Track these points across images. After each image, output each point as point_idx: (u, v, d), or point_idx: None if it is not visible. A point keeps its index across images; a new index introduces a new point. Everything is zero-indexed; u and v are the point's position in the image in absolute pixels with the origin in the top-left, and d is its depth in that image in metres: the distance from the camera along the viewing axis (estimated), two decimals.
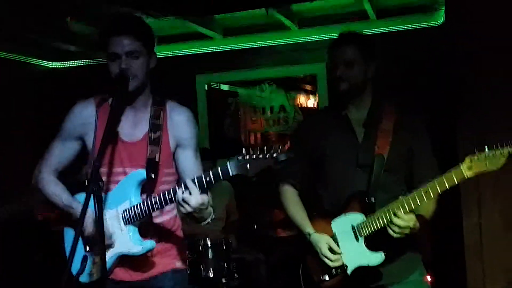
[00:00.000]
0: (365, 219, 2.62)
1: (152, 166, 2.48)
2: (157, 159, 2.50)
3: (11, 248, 5.04)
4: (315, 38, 5.62)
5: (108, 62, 2.48)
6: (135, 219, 2.44)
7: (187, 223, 2.77)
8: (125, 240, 2.46)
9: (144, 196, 2.48)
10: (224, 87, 6.11)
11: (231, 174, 2.21)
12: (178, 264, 2.63)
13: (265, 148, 2.19)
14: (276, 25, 5.54)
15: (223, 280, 4.36)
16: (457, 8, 3.80)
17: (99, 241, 2.25)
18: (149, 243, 2.47)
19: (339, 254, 2.66)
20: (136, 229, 2.48)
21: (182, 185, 2.30)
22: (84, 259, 2.41)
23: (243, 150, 2.20)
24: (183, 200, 2.27)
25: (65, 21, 5.29)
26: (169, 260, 2.61)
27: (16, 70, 5.85)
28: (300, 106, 5.89)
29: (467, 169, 2.35)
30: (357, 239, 2.65)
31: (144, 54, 2.48)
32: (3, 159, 5.25)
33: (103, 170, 2.50)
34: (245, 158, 2.18)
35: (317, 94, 5.80)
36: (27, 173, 5.44)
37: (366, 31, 5.00)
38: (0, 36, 5.19)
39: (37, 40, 5.46)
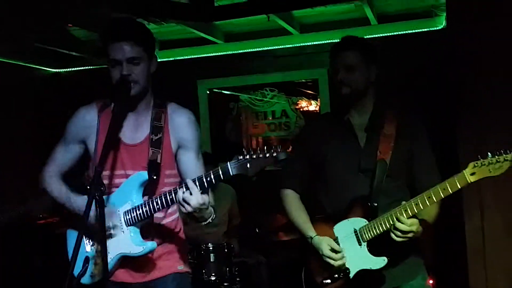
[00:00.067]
0: (367, 223, 2.63)
1: (153, 167, 2.49)
2: (158, 161, 2.51)
3: (12, 252, 5.04)
4: (316, 43, 5.64)
5: (109, 68, 2.49)
6: (137, 220, 2.45)
7: (187, 224, 2.78)
8: (126, 241, 2.47)
9: (146, 197, 2.50)
10: (226, 92, 6.13)
11: (231, 174, 2.23)
12: (180, 268, 2.64)
13: (265, 148, 2.21)
14: (277, 30, 5.56)
15: (225, 284, 4.37)
16: (458, 13, 3.80)
17: (100, 243, 2.26)
18: (150, 244, 2.47)
19: (341, 252, 2.67)
20: (138, 230, 2.49)
21: (183, 185, 2.31)
22: (86, 260, 2.42)
23: (244, 150, 2.21)
24: (184, 200, 2.29)
25: (66, 27, 5.31)
26: (171, 263, 2.62)
27: (17, 75, 5.86)
28: (301, 111, 5.90)
29: (470, 175, 2.37)
30: (359, 243, 2.66)
31: (145, 59, 2.50)
32: (4, 162, 5.26)
33: (105, 173, 2.51)
34: (245, 157, 2.19)
35: (318, 99, 5.81)
36: (27, 176, 5.46)
37: (367, 36, 5.05)
38: (2, 41, 5.21)
39: (38, 45, 5.46)
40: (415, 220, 2.52)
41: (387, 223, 2.55)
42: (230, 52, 5.91)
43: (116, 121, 2.45)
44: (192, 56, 6.02)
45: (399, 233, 2.52)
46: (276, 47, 5.81)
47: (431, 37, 5.26)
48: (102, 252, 2.26)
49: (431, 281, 2.91)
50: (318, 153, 2.82)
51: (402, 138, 2.72)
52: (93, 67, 6.20)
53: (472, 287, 3.72)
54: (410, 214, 2.50)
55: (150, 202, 2.42)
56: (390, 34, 5.43)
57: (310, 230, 2.79)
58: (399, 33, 5.41)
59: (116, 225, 2.49)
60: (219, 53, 5.94)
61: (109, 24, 2.53)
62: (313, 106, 5.88)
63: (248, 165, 2.19)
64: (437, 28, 5.28)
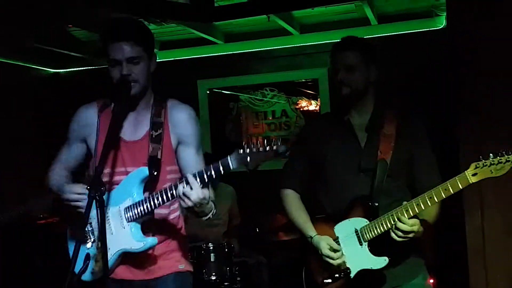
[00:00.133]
0: (368, 223, 2.63)
1: (154, 163, 2.49)
2: (159, 157, 2.51)
3: (12, 252, 5.05)
4: (316, 43, 5.64)
5: (109, 68, 2.50)
6: (137, 216, 2.45)
7: (187, 223, 2.78)
8: (127, 237, 2.47)
9: (147, 193, 2.49)
10: (226, 92, 6.13)
11: (231, 168, 2.22)
12: (181, 267, 2.63)
13: (265, 142, 2.20)
14: (277, 30, 5.56)
15: (225, 284, 4.37)
16: (458, 13, 3.80)
17: (101, 241, 2.26)
18: (151, 240, 2.47)
19: (340, 251, 2.67)
20: (139, 226, 2.48)
21: (184, 180, 2.31)
22: (87, 257, 2.42)
23: (244, 144, 2.20)
24: (184, 194, 2.28)
25: (66, 27, 5.32)
26: (172, 263, 2.61)
27: (17, 75, 5.86)
28: (301, 111, 5.90)
29: (472, 175, 2.37)
30: (360, 243, 2.66)
31: (145, 58, 2.50)
32: (3, 162, 5.26)
33: (106, 170, 2.52)
34: (245, 151, 2.18)
35: (318, 99, 5.82)
36: (27, 176, 5.46)
37: (368, 36, 5.05)
38: (2, 41, 5.21)
39: (38, 45, 5.47)
40: (416, 221, 2.52)
41: (388, 223, 2.55)
42: (230, 52, 5.92)
43: (116, 121, 2.46)
44: (192, 56, 6.02)
45: (400, 233, 2.52)
46: (276, 47, 5.82)
47: (431, 37, 5.26)
48: (103, 250, 2.25)
49: (431, 281, 2.90)
50: (318, 153, 2.83)
51: (402, 138, 2.72)
52: (93, 67, 6.21)
53: (473, 287, 3.72)
54: (411, 214, 2.50)
55: (151, 197, 2.41)
56: (390, 34, 5.43)
57: (310, 230, 2.79)
58: (399, 33, 5.42)
59: (117, 221, 2.49)
60: (219, 53, 5.94)
61: (108, 24, 2.53)
62: (313, 106, 5.88)
63: (248, 159, 2.18)
64: (437, 28, 5.29)
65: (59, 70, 6.45)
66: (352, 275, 2.66)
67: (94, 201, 2.16)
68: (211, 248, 4.38)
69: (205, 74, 6.03)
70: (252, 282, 4.83)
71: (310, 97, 5.88)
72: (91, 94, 2.75)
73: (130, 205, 2.47)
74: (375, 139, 2.73)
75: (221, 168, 2.24)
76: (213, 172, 2.27)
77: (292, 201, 2.92)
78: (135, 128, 2.59)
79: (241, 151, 2.19)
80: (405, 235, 2.52)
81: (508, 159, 2.31)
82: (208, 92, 6.08)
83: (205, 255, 4.35)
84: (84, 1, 4.34)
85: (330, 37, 5.31)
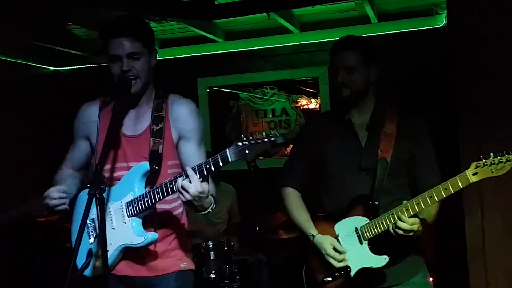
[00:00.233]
0: (369, 222, 2.64)
1: (155, 157, 2.49)
2: (160, 151, 2.50)
3: (12, 251, 5.05)
4: (316, 41, 5.64)
5: (110, 64, 2.50)
6: (138, 211, 2.44)
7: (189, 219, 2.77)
8: (128, 232, 2.47)
9: (148, 188, 2.49)
10: (226, 90, 6.13)
11: (230, 160, 2.19)
12: (183, 265, 2.62)
13: (263, 133, 2.18)
14: (277, 28, 5.56)
15: (225, 282, 4.38)
16: (458, 11, 3.80)
17: (101, 238, 2.26)
18: (151, 235, 2.46)
19: (344, 253, 2.67)
20: (140, 221, 2.48)
21: (183, 174, 2.30)
22: (90, 253, 2.42)
23: (242, 136, 2.18)
24: (183, 187, 2.27)
25: (66, 25, 5.31)
26: (174, 261, 2.60)
27: (17, 73, 5.86)
28: (301, 109, 5.90)
29: (472, 175, 2.37)
30: (360, 242, 2.66)
31: (145, 54, 2.50)
32: (3, 161, 5.26)
33: (108, 166, 2.53)
34: (244, 143, 2.17)
35: (318, 97, 5.82)
36: (27, 175, 5.47)
37: (368, 35, 5.05)
38: (2, 39, 5.21)
39: (38, 43, 5.47)
40: (416, 220, 2.52)
41: (388, 222, 2.56)
42: (230, 50, 5.92)
43: (116, 119, 2.45)
44: (193, 54, 6.02)
45: (400, 232, 2.52)
46: (276, 45, 5.81)
47: (431, 35, 5.26)
48: (103, 247, 2.25)
49: (431, 279, 2.91)
50: (318, 152, 2.83)
51: (403, 137, 2.72)
52: (93, 65, 6.20)
53: (472, 287, 3.72)
54: (412, 213, 2.50)
55: (151, 192, 2.41)
56: (391, 32, 5.43)
57: (311, 229, 2.79)
58: (400, 31, 5.42)
59: (119, 216, 2.49)
60: (219, 51, 5.94)
61: (108, 22, 2.53)
62: (313, 104, 5.88)
63: (247, 151, 2.16)
64: (438, 26, 5.29)
65: (59, 68, 6.44)
66: (352, 273, 2.66)
67: (94, 198, 2.16)
68: (211, 246, 4.39)
69: (205, 72, 6.03)
70: (252, 280, 4.84)
71: (310, 96, 5.88)
72: (91, 92, 2.76)
73: (131, 200, 2.46)
74: (376, 138, 2.73)
75: (220, 161, 2.22)
76: (212, 165, 2.25)
77: (293, 199, 2.92)
78: (136, 123, 2.59)
79: (240, 143, 2.17)
80: (405, 234, 2.52)
81: (508, 158, 2.31)
82: (208, 90, 6.08)
83: (204, 253, 4.36)
84: (84, 0, 4.33)
85: (330, 35, 5.31)
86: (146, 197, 2.42)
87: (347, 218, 2.70)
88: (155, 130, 2.53)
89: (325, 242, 2.70)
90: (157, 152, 2.50)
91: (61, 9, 4.63)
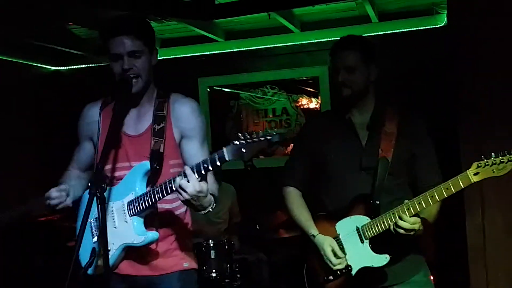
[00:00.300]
0: (370, 221, 2.64)
1: (156, 157, 2.49)
2: (161, 150, 2.50)
3: (13, 251, 5.05)
4: (317, 41, 5.64)
5: (111, 63, 2.51)
6: (139, 210, 2.44)
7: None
8: (129, 231, 2.47)
9: (149, 187, 2.49)
10: (226, 90, 6.13)
11: (227, 159, 2.18)
12: (186, 265, 2.62)
13: (260, 132, 2.18)
14: (278, 28, 5.56)
15: (226, 281, 4.38)
16: (459, 11, 3.80)
17: (102, 237, 2.26)
18: (151, 234, 2.46)
19: (342, 258, 2.67)
20: (141, 220, 2.48)
21: (182, 173, 2.29)
22: (93, 251, 2.43)
23: (239, 135, 2.18)
24: (180, 187, 2.26)
25: (66, 25, 5.31)
26: (176, 260, 2.60)
27: (17, 73, 5.86)
28: (302, 109, 5.90)
29: (473, 175, 2.37)
30: (361, 241, 2.67)
31: (146, 52, 2.51)
32: (3, 161, 5.27)
33: (109, 165, 2.53)
34: (241, 142, 2.16)
35: (319, 97, 5.82)
36: (27, 175, 5.46)
37: (368, 34, 5.05)
38: (1, 39, 5.21)
39: (38, 43, 5.47)
40: (417, 219, 2.52)
41: (389, 221, 2.56)
42: (230, 50, 5.91)
43: (116, 119, 2.46)
44: (193, 54, 6.02)
45: (401, 231, 2.52)
46: (277, 45, 5.81)
47: (432, 35, 5.26)
48: (103, 246, 2.26)
49: (432, 278, 2.91)
50: (319, 151, 2.83)
51: (403, 136, 2.72)
52: (93, 65, 6.20)
53: (473, 287, 3.72)
54: (413, 212, 2.50)
55: (151, 191, 2.41)
56: (391, 32, 5.43)
57: (312, 228, 2.80)
58: (400, 31, 5.42)
59: (121, 215, 2.50)
60: (220, 51, 5.94)
61: (108, 21, 2.53)
62: (313, 104, 5.88)
63: (243, 150, 2.15)
64: (438, 25, 5.28)
65: (59, 68, 6.44)
66: (353, 272, 2.67)
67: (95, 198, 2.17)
68: (212, 245, 4.39)
69: (205, 72, 6.03)
70: (252, 279, 4.85)
71: (310, 95, 5.88)
72: (92, 92, 2.76)
73: (133, 199, 2.47)
74: (376, 137, 2.73)
75: (217, 160, 2.21)
76: (209, 164, 2.24)
77: (294, 198, 2.92)
78: (138, 122, 2.59)
79: (237, 142, 2.17)
80: (406, 233, 2.53)
81: (510, 158, 2.31)
82: (208, 90, 6.08)
83: (205, 252, 4.36)
84: (85, 0, 4.34)
85: (330, 35, 5.32)
86: (147, 196, 2.42)
87: (348, 217, 2.71)
88: (156, 130, 2.53)
89: (325, 243, 2.71)
90: (158, 151, 2.50)
91: (61, 9, 4.63)
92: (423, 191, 2.50)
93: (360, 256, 2.66)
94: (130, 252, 2.52)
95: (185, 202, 2.32)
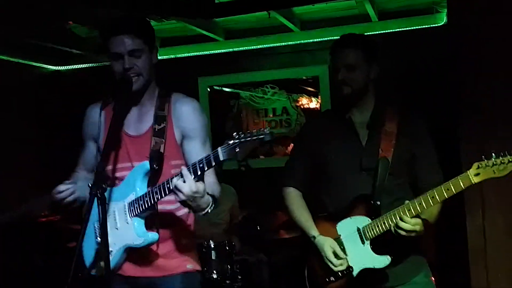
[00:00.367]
0: (370, 222, 2.63)
1: (156, 157, 2.48)
2: (161, 150, 2.50)
3: (13, 251, 5.05)
4: (317, 40, 5.63)
5: (112, 62, 2.51)
6: (139, 211, 2.44)
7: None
8: (130, 232, 2.46)
9: (149, 188, 2.48)
10: (226, 89, 6.12)
11: (221, 159, 2.17)
12: (190, 266, 2.61)
13: (253, 131, 2.17)
14: (278, 27, 5.55)
15: (227, 282, 4.38)
16: (459, 9, 3.79)
17: (102, 238, 2.26)
18: (151, 235, 2.45)
19: (343, 259, 2.67)
20: (142, 221, 2.47)
21: (179, 173, 2.29)
22: (97, 252, 2.43)
23: (234, 134, 2.17)
24: (176, 187, 2.25)
25: (66, 24, 5.31)
26: (179, 262, 2.60)
27: (17, 73, 5.86)
28: (302, 108, 5.89)
29: (474, 175, 2.36)
30: (362, 242, 2.66)
31: (146, 51, 2.51)
32: (4, 161, 5.26)
33: (111, 165, 2.53)
34: (235, 142, 2.15)
35: (319, 96, 5.81)
36: (28, 175, 5.45)
37: (368, 33, 5.03)
38: (2, 40, 5.20)
39: (38, 43, 5.46)
40: (418, 220, 2.51)
41: (390, 222, 2.55)
42: (230, 49, 5.90)
43: (116, 119, 2.45)
44: (193, 54, 6.01)
45: (402, 232, 2.52)
46: (277, 44, 5.80)
47: (432, 33, 5.25)
48: (104, 247, 2.25)
49: (433, 279, 2.90)
50: (319, 151, 2.82)
51: (403, 135, 2.71)
52: (94, 64, 6.20)
53: (474, 286, 3.71)
54: (414, 213, 2.49)
55: (150, 192, 2.40)
56: (391, 31, 5.42)
57: (312, 229, 2.79)
58: (400, 29, 5.41)
59: (122, 216, 2.49)
60: (220, 50, 5.93)
61: (108, 20, 2.53)
62: (313, 103, 5.87)
63: (237, 149, 2.14)
64: (438, 24, 5.28)
65: (59, 68, 6.44)
66: (354, 273, 2.66)
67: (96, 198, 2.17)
68: (212, 246, 4.39)
69: (205, 72, 6.02)
70: (253, 280, 4.84)
71: (310, 95, 5.87)
72: (92, 92, 2.75)
73: (133, 200, 2.46)
74: (376, 137, 2.72)
75: (212, 160, 2.20)
76: (205, 164, 2.23)
77: (294, 199, 2.91)
78: (139, 122, 2.59)
79: (231, 141, 2.16)
80: (407, 234, 2.52)
81: (510, 159, 2.30)
82: (208, 89, 6.07)
83: (206, 253, 4.35)
84: (84, 0, 4.33)
85: (330, 34, 5.32)
86: (146, 197, 2.41)
87: (349, 218, 2.70)
88: (156, 130, 2.53)
89: (325, 244, 2.70)
90: (158, 152, 2.50)
91: (61, 8, 4.62)
92: (424, 191, 2.49)
93: (361, 257, 2.65)
94: (133, 253, 2.51)
95: (182, 202, 2.30)
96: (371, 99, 2.78)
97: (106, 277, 2.29)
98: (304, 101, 5.89)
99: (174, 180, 2.27)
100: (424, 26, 5.33)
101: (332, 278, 2.71)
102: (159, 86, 2.64)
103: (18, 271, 5.07)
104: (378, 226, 2.60)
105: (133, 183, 2.49)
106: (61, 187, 2.51)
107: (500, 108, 3.63)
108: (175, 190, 2.26)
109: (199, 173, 2.24)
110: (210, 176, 2.51)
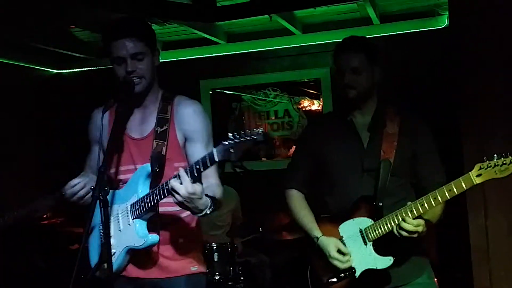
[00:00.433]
0: (373, 223, 2.64)
1: (157, 159, 2.48)
2: (163, 153, 2.50)
3: (14, 252, 5.05)
4: (318, 43, 5.64)
5: (114, 66, 2.51)
6: (140, 213, 2.44)
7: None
8: (132, 233, 2.46)
9: (150, 189, 2.48)
10: (228, 92, 6.13)
11: (216, 160, 2.16)
12: (194, 268, 2.61)
13: (248, 131, 2.15)
14: (279, 30, 5.57)
15: (229, 283, 4.39)
16: (460, 12, 3.80)
17: (105, 240, 2.26)
18: (151, 237, 2.45)
19: (349, 255, 2.67)
20: (144, 223, 2.47)
21: (177, 175, 2.28)
22: (101, 254, 2.42)
23: (229, 135, 2.15)
24: (172, 189, 2.24)
25: (68, 28, 5.32)
26: (184, 264, 2.59)
27: (19, 76, 5.87)
28: (304, 111, 5.90)
29: (476, 176, 2.37)
30: (365, 243, 2.66)
31: (148, 54, 2.51)
32: (5, 163, 5.27)
33: (115, 168, 2.54)
34: (229, 143, 2.14)
35: (321, 98, 5.82)
36: (29, 177, 5.45)
37: (370, 36, 5.04)
38: (3, 42, 5.22)
39: (40, 46, 5.48)
40: (421, 221, 2.52)
41: (392, 223, 2.55)
42: (232, 53, 5.92)
43: (118, 122, 2.45)
44: (195, 57, 6.02)
45: (404, 233, 2.52)
46: (278, 47, 5.82)
47: (433, 36, 5.26)
48: (107, 249, 2.25)
49: (435, 279, 2.91)
50: (321, 153, 2.82)
51: (405, 137, 2.72)
52: (95, 68, 6.21)
53: (476, 286, 3.71)
54: (416, 214, 2.50)
55: (150, 193, 2.40)
56: (393, 33, 5.43)
57: (315, 230, 2.79)
58: (402, 32, 5.42)
59: (125, 218, 2.50)
60: (222, 54, 5.94)
61: (109, 24, 2.54)
62: (315, 106, 5.88)
63: (232, 150, 2.13)
64: (440, 27, 5.29)
65: (61, 71, 6.45)
66: (357, 274, 2.66)
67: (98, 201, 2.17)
68: (214, 247, 4.40)
69: (207, 75, 6.03)
70: (255, 281, 4.84)
71: (312, 97, 5.88)
72: (93, 95, 2.76)
73: (135, 202, 2.46)
74: (378, 138, 2.72)
75: (208, 161, 2.19)
76: (201, 165, 2.22)
77: (297, 201, 2.91)
78: (142, 125, 2.59)
79: (226, 142, 2.15)
80: (410, 235, 2.52)
81: None
82: (210, 92, 6.09)
83: (208, 255, 4.36)
84: (85, 2, 4.34)
85: (332, 37, 5.33)
86: (146, 199, 2.42)
87: (351, 219, 2.70)
88: (158, 132, 2.53)
89: (330, 244, 2.70)
90: (159, 154, 2.50)
91: (62, 12, 4.64)
92: (427, 191, 2.50)
93: (364, 258, 2.66)
94: (137, 254, 2.51)
95: (179, 204, 2.29)
96: (373, 101, 2.78)
97: (109, 278, 2.29)
98: (306, 104, 5.90)
99: (171, 181, 2.27)
100: (425, 29, 5.34)
101: (334, 279, 2.71)
102: (163, 89, 2.64)
103: (20, 272, 5.08)
104: (380, 228, 2.60)
105: (135, 185, 2.49)
106: (75, 181, 2.50)
107: (501, 109, 3.65)
108: (172, 191, 2.25)
109: (195, 174, 2.24)
110: (212, 178, 2.51)
